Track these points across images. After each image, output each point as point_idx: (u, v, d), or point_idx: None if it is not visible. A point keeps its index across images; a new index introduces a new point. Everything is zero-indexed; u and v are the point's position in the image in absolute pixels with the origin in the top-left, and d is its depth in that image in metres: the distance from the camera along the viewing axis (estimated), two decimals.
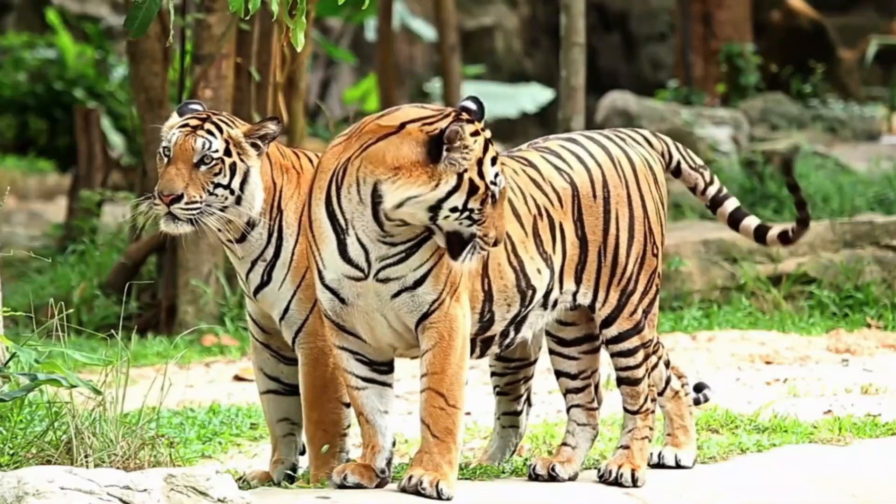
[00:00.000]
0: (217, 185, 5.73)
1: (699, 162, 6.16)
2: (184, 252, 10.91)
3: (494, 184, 5.33)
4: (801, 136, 18.01)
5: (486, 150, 5.36)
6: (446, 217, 5.32)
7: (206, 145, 5.72)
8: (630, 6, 28.57)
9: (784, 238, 6.13)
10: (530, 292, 5.66)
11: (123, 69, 21.67)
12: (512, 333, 5.72)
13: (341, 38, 25.81)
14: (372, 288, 5.46)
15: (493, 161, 5.36)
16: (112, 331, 5.95)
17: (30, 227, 17.51)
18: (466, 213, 5.32)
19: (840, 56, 22.99)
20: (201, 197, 5.71)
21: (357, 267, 5.45)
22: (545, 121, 24.88)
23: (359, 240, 5.42)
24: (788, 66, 21.16)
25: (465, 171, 5.31)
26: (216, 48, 10.73)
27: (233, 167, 5.74)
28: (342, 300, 5.50)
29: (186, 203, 5.70)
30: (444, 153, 5.29)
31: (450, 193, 5.30)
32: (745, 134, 18.56)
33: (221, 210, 5.75)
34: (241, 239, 5.86)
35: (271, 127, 5.80)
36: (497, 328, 5.67)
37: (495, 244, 5.36)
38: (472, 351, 5.68)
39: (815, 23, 23.14)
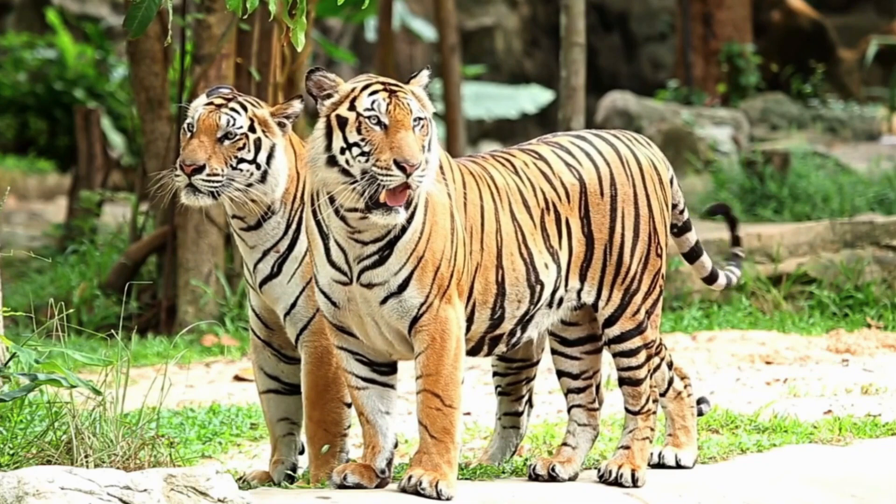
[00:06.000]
0: (241, 161, 5.76)
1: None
2: (184, 252, 10.92)
3: (371, 109, 5.33)
4: (800, 136, 18.00)
5: (353, 89, 5.39)
6: (347, 162, 5.31)
7: (231, 122, 5.76)
8: (630, 6, 28.57)
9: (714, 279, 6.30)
10: (539, 287, 5.67)
11: (123, 69, 21.68)
12: (519, 332, 5.72)
13: (341, 38, 25.80)
14: (359, 293, 5.47)
15: (369, 93, 5.37)
16: (112, 331, 5.95)
17: (30, 227, 17.50)
18: (355, 148, 5.32)
19: (840, 56, 22.98)
20: (223, 170, 5.73)
21: (340, 270, 5.47)
22: (545, 121, 24.88)
23: (336, 242, 5.45)
24: (788, 66, 21.16)
25: (331, 111, 5.37)
26: (216, 48, 10.74)
27: (257, 142, 5.77)
28: (335, 304, 5.52)
29: (208, 175, 5.71)
30: (318, 105, 5.42)
31: (328, 136, 5.34)
32: (745, 134, 18.56)
33: (246, 187, 5.76)
34: (256, 226, 5.87)
35: (296, 106, 5.86)
36: (507, 326, 5.67)
37: (400, 168, 5.27)
38: (480, 349, 5.70)
39: (815, 23, 23.13)
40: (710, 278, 6.27)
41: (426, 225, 5.45)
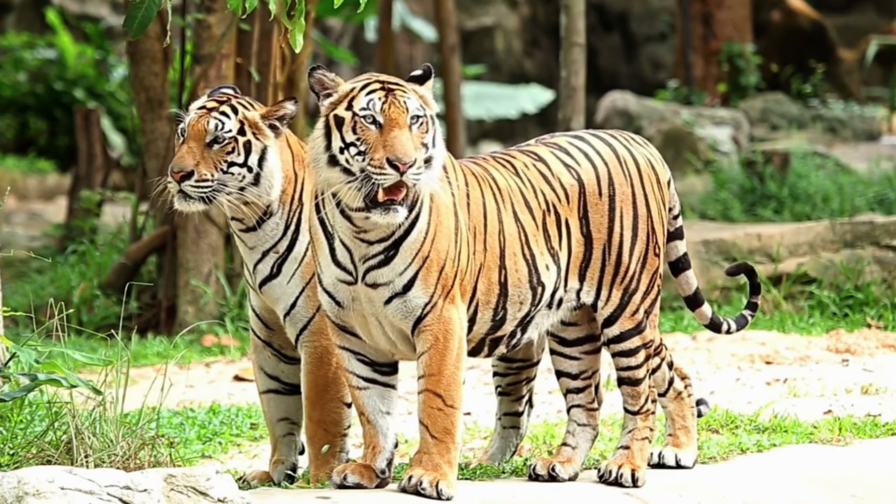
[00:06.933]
0: (231, 164, 5.76)
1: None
2: (184, 252, 10.92)
3: (366, 109, 5.34)
4: (800, 136, 18.00)
5: (352, 89, 5.40)
6: (347, 161, 5.32)
7: (219, 126, 5.76)
8: (630, 6, 28.57)
9: (713, 326, 6.19)
10: (540, 289, 5.67)
11: (123, 69, 21.68)
12: (519, 334, 5.73)
13: (341, 38, 25.81)
14: (363, 293, 5.47)
15: (366, 93, 5.38)
16: (112, 331, 5.95)
17: (30, 227, 17.50)
18: (352, 147, 5.33)
19: (840, 56, 22.98)
20: (213, 175, 5.74)
21: (346, 270, 5.47)
22: (545, 121, 24.87)
23: (341, 241, 5.45)
24: (788, 66, 21.16)
25: (330, 111, 5.39)
26: (216, 48, 10.74)
27: (247, 145, 5.77)
28: (339, 304, 5.52)
29: (196, 181, 5.73)
30: (319, 104, 5.44)
31: (328, 136, 5.36)
32: (745, 134, 18.56)
33: (240, 190, 5.77)
34: (255, 227, 5.87)
35: (289, 107, 5.85)
36: (508, 328, 5.68)
37: (392, 166, 5.28)
38: (480, 350, 5.70)
39: (815, 23, 23.13)
40: (694, 300, 6.14)
41: (431, 225, 5.45)
